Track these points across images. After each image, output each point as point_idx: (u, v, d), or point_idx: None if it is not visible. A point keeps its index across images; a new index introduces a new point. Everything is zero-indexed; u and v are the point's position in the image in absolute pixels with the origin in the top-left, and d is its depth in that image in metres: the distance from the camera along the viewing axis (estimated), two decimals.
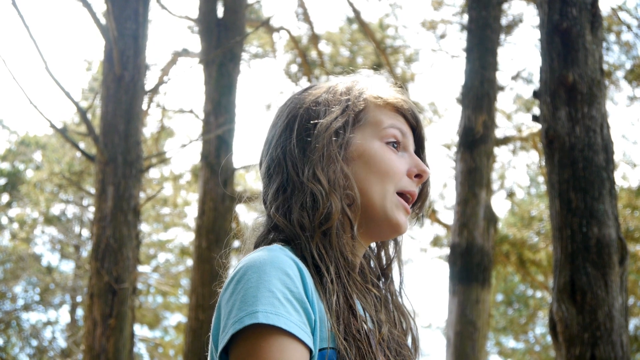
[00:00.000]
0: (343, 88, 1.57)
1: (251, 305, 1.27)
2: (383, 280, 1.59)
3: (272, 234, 1.50)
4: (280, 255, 1.34)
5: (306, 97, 1.57)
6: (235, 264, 1.44)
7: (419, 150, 1.60)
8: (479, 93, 9.43)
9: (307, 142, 1.50)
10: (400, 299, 1.58)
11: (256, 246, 1.50)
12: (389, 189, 1.50)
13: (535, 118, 5.01)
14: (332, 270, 1.39)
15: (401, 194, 1.52)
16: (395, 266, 1.61)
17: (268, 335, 1.26)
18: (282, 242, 1.47)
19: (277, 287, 1.29)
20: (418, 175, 1.54)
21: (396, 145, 1.54)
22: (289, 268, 1.33)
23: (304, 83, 14.70)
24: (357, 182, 1.49)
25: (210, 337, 1.38)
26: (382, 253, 1.62)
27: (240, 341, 1.27)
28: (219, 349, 1.31)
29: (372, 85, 1.59)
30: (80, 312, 19.41)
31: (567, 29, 4.71)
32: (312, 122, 1.52)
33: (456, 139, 9.82)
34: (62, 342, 19.18)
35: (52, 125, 7.62)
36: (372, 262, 1.59)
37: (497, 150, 13.95)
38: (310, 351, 1.30)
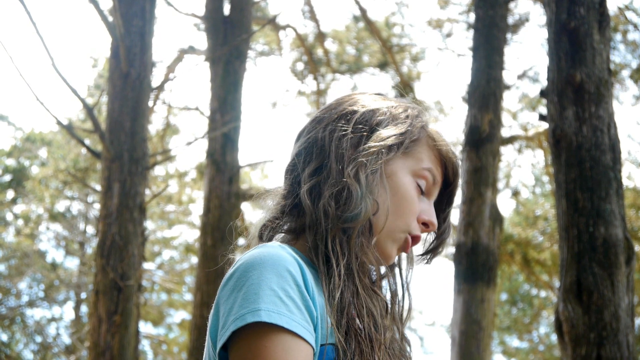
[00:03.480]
0: (408, 112, 1.60)
1: (253, 303, 1.27)
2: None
3: (281, 219, 1.51)
4: (281, 252, 1.34)
5: (372, 102, 1.59)
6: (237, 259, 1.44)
7: (448, 205, 1.63)
8: (485, 92, 9.42)
9: (361, 141, 1.52)
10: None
11: (261, 232, 1.52)
12: (399, 225, 1.52)
13: (542, 117, 5.00)
14: (342, 265, 1.40)
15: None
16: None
17: (271, 334, 1.26)
18: (285, 232, 1.49)
19: (279, 284, 1.29)
20: (425, 224, 1.56)
21: (422, 187, 1.56)
22: (289, 265, 1.32)
23: (309, 81, 14.70)
24: (380, 201, 1.50)
25: (208, 333, 1.38)
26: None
27: (241, 339, 1.27)
28: (218, 345, 1.31)
29: (432, 124, 1.62)
30: (84, 308, 19.44)
31: (575, 28, 4.71)
32: (373, 125, 1.54)
33: (462, 137, 9.81)
34: (66, 339, 19.23)
35: (58, 122, 7.63)
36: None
37: (502, 149, 13.94)
38: (313, 349, 1.30)
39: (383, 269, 1.60)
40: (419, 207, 1.54)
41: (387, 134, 1.53)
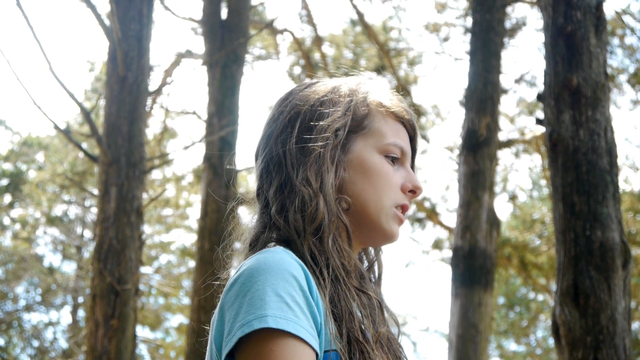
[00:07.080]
0: (347, 89, 1.57)
1: (259, 309, 1.27)
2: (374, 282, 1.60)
3: (266, 232, 1.49)
4: (285, 257, 1.34)
5: (310, 95, 1.56)
6: (236, 265, 1.43)
7: (412, 159, 1.62)
8: (483, 96, 9.42)
9: (307, 143, 1.50)
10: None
11: (251, 244, 1.50)
12: (385, 203, 1.51)
13: (539, 121, 5.00)
14: (327, 274, 1.39)
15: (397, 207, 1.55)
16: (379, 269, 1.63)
17: (278, 339, 1.25)
18: (277, 242, 1.47)
19: (285, 290, 1.29)
20: (412, 191, 1.56)
21: (394, 157, 1.55)
22: (294, 270, 1.32)
23: None
24: (354, 189, 1.50)
25: (212, 339, 1.37)
26: (369, 256, 1.63)
27: (248, 345, 1.27)
28: (224, 352, 1.30)
29: (375, 90, 1.59)
30: (81, 313, 19.41)
31: (572, 33, 4.71)
32: (313, 123, 1.51)
33: (459, 141, 9.82)
34: (63, 343, 19.21)
35: (56, 126, 7.62)
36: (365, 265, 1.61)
37: (499, 153, 13.95)
38: (317, 354, 1.30)
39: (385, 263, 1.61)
40: (398, 179, 1.54)
41: (327, 122, 1.51)
